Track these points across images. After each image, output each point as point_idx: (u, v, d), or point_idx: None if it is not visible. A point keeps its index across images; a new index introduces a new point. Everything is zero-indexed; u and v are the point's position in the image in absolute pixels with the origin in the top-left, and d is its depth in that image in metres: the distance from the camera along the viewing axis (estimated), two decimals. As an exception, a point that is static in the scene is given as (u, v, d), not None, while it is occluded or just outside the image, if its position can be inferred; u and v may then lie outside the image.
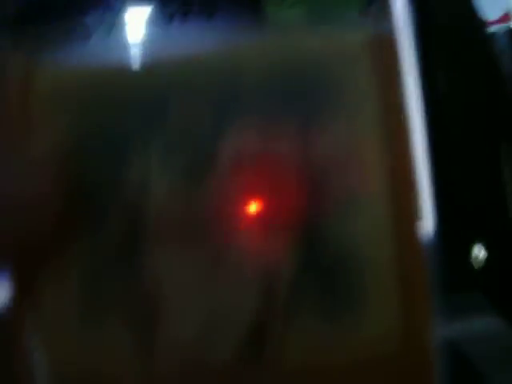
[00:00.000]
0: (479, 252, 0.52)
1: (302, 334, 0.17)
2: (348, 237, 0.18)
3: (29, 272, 0.18)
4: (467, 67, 0.59)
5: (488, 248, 0.52)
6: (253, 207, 0.18)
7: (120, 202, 0.18)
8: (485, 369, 0.40)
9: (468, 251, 0.52)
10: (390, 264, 0.18)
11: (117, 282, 0.18)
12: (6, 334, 0.17)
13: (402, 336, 0.17)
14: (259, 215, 0.18)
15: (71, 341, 0.17)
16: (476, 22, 0.61)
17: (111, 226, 0.18)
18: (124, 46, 0.53)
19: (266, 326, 0.17)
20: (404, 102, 0.19)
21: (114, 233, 0.18)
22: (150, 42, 0.54)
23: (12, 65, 0.19)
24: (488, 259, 0.51)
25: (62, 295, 0.18)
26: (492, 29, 0.84)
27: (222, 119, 0.19)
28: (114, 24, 0.55)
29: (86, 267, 0.18)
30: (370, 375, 0.17)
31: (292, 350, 0.17)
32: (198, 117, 0.19)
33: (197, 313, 0.17)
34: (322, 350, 0.17)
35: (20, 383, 0.17)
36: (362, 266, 0.18)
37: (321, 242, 0.18)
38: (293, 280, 0.18)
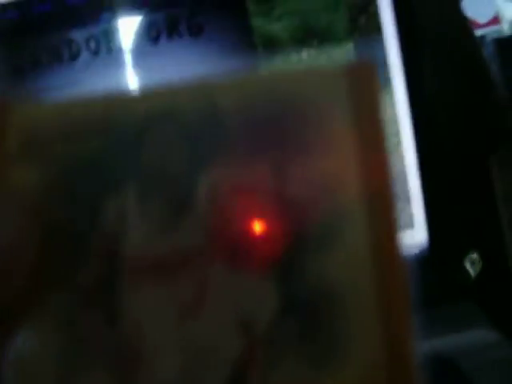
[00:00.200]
0: (473, 263, 0.52)
1: (284, 378, 0.17)
2: (328, 272, 0.18)
3: (3, 323, 0.17)
4: (456, 74, 0.59)
5: (482, 259, 0.52)
6: (230, 246, 0.18)
7: (95, 246, 0.18)
8: (478, 382, 0.40)
9: (462, 262, 0.52)
10: (371, 299, 0.18)
11: (95, 328, 0.17)
12: None
13: (387, 376, 0.17)
14: (237, 254, 0.18)
15: None
16: (465, 30, 0.61)
17: (87, 271, 0.18)
18: (109, 68, 0.53)
19: (246, 370, 0.17)
20: (384, 131, 0.19)
21: (89, 278, 0.18)
22: (135, 64, 0.54)
23: None
24: (482, 270, 0.51)
25: (39, 345, 0.17)
26: (481, 31, 0.84)
27: (199, 157, 0.19)
28: (100, 42, 0.55)
29: (62, 315, 0.17)
30: None
31: None
32: (173, 154, 0.19)
33: (176, 357, 0.17)
34: None
35: None
36: (343, 302, 0.18)
37: (300, 279, 0.18)
38: (273, 321, 0.18)
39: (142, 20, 0.54)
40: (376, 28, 0.54)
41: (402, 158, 0.53)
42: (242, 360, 0.17)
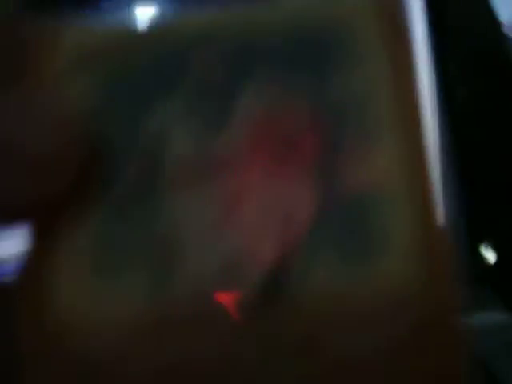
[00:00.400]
0: (488, 250, 0.51)
1: (323, 275, 0.17)
2: (365, 174, 0.18)
3: (46, 222, 0.18)
4: (483, 67, 0.58)
5: (497, 246, 0.51)
6: (270, 152, 0.19)
7: (139, 151, 0.19)
8: (491, 363, 0.40)
9: (479, 247, 0.51)
10: (409, 203, 0.18)
11: (134, 228, 0.18)
12: (20, 286, 0.18)
13: (422, 280, 0.17)
14: (277, 158, 0.19)
15: (86, 289, 0.18)
16: (493, 23, 0.61)
17: (129, 173, 0.18)
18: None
19: (285, 267, 0.17)
20: (414, 64, 0.19)
21: (131, 180, 0.18)
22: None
23: (39, 26, 0.20)
24: (498, 256, 0.51)
25: (79, 243, 0.18)
26: (508, 30, 0.84)
27: (239, 75, 0.19)
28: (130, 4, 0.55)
29: (103, 215, 0.18)
30: (388, 320, 0.17)
31: (311, 292, 0.17)
32: (215, 72, 0.19)
33: (214, 255, 0.17)
34: (339, 292, 0.17)
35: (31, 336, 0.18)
36: (381, 201, 0.18)
37: (337, 180, 0.18)
38: (312, 219, 0.18)
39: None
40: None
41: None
42: (281, 257, 0.17)
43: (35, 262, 0.18)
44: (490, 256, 0.51)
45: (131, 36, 0.20)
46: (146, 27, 0.20)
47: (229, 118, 0.19)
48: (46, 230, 0.18)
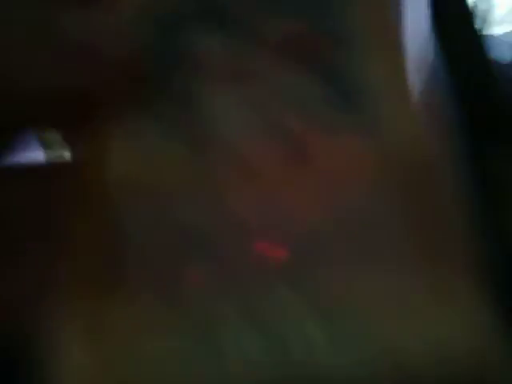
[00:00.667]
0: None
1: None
2: (364, 68, 0.24)
3: (112, 108, 0.23)
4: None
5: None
6: (289, 59, 0.24)
7: (184, 63, 0.24)
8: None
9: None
10: (403, 90, 0.24)
11: (179, 116, 0.23)
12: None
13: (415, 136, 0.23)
14: (293, 62, 0.24)
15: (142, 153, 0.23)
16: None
17: (176, 77, 0.24)
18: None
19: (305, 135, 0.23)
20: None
21: (182, 82, 0.24)
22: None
23: None
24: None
25: (141, 125, 0.23)
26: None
27: (264, 11, 0.25)
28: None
29: (159, 104, 0.23)
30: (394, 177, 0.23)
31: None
32: (247, 9, 0.25)
33: (246, 121, 0.23)
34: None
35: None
36: (380, 91, 0.23)
37: (338, 73, 0.24)
38: (321, 96, 0.23)
39: None
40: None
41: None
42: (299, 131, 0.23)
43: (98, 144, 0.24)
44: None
45: None
46: None
47: (257, 38, 0.24)
48: (112, 114, 0.23)
